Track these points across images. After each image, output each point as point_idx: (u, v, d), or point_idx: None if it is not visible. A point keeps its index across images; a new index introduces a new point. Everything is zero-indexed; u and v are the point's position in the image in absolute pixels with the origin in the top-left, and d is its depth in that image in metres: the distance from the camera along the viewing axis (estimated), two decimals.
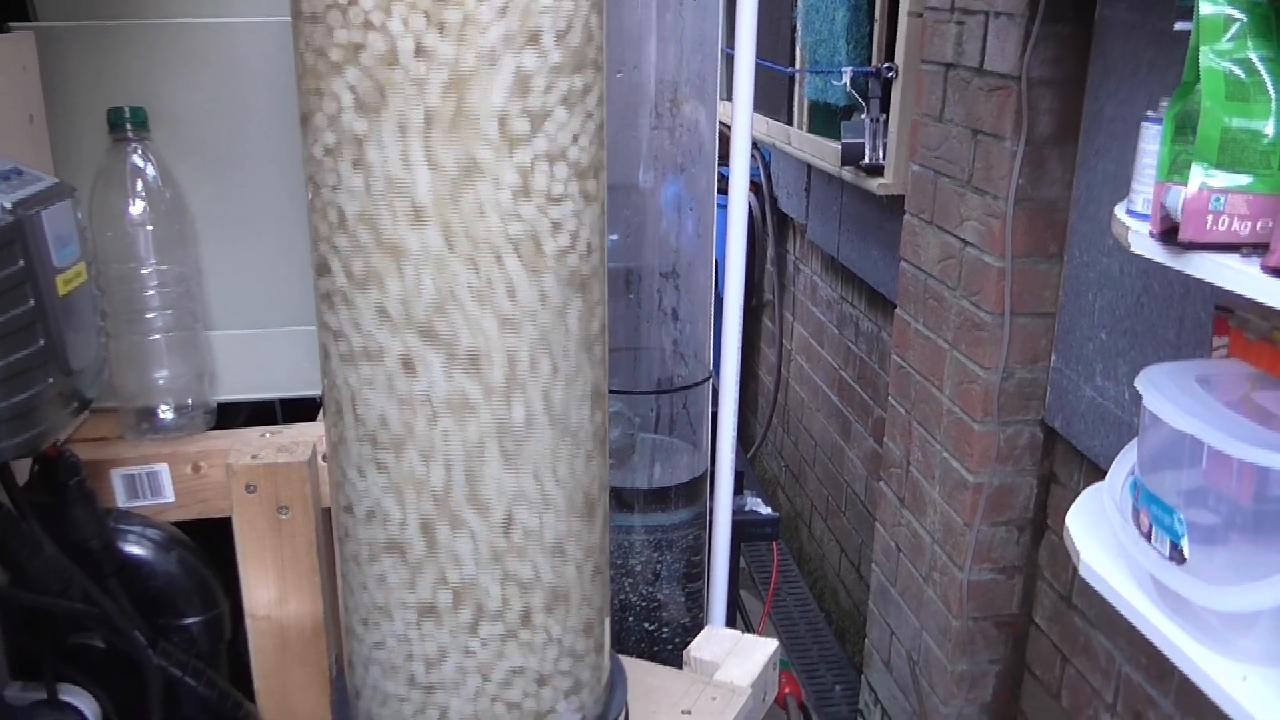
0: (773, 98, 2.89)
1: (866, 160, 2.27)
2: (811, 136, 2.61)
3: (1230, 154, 0.98)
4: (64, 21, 1.18)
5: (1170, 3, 1.45)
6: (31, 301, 0.85)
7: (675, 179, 1.59)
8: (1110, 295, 1.61)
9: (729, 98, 1.79)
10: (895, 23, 2.21)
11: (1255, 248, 0.99)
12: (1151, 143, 1.14)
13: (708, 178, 1.80)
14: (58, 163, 1.22)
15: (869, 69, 2.27)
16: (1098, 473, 1.62)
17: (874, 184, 2.25)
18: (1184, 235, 1.01)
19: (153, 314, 1.23)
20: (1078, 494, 1.34)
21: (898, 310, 2.14)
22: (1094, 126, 1.66)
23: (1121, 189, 1.57)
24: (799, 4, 2.62)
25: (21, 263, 0.84)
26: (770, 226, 3.33)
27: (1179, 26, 1.10)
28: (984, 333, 1.81)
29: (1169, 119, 1.07)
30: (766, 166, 3.28)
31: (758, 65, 1.69)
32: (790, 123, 2.80)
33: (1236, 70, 0.99)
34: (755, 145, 2.77)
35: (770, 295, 3.44)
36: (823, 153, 2.52)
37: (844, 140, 2.28)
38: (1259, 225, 0.99)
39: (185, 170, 1.24)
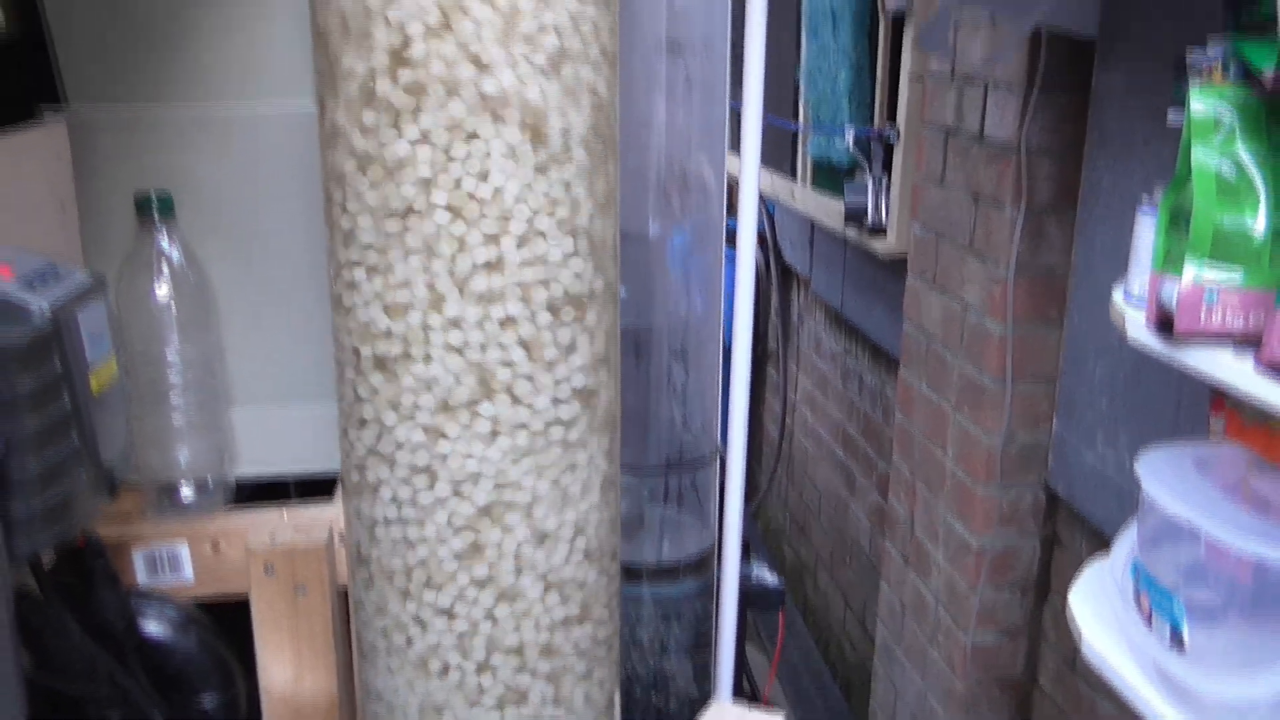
0: (776, 151, 2.93)
1: (869, 220, 2.30)
2: (815, 194, 2.65)
3: (1222, 249, 1.02)
4: (93, 104, 1.22)
5: (1163, 79, 1.50)
6: (67, 401, 0.89)
7: (684, 261, 1.62)
8: (1110, 364, 1.64)
9: (736, 150, 1.82)
10: (897, 86, 2.25)
11: (1249, 340, 1.02)
12: (1146, 231, 1.17)
13: (715, 251, 1.84)
14: (86, 244, 1.26)
15: (871, 130, 2.31)
16: (1100, 538, 1.65)
17: (877, 245, 2.29)
18: (1179, 327, 1.04)
19: (175, 393, 1.26)
20: (1081, 557, 1.36)
21: (901, 370, 2.17)
22: (1091, 196, 1.70)
23: (1120, 259, 1.60)
24: (802, 62, 2.66)
25: (59, 366, 0.87)
26: (774, 276, 3.37)
27: (1172, 119, 1.14)
28: (986, 397, 1.84)
29: (1163, 210, 1.10)
30: (770, 218, 3.32)
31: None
32: (794, 178, 2.84)
33: (1227, 168, 1.02)
34: (760, 197, 2.81)
35: (774, 344, 3.47)
36: (826, 211, 2.55)
37: (847, 200, 2.32)
38: (1251, 319, 1.02)
39: (208, 248, 1.28)
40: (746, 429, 1.38)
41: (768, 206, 3.30)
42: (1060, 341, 1.79)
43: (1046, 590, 1.88)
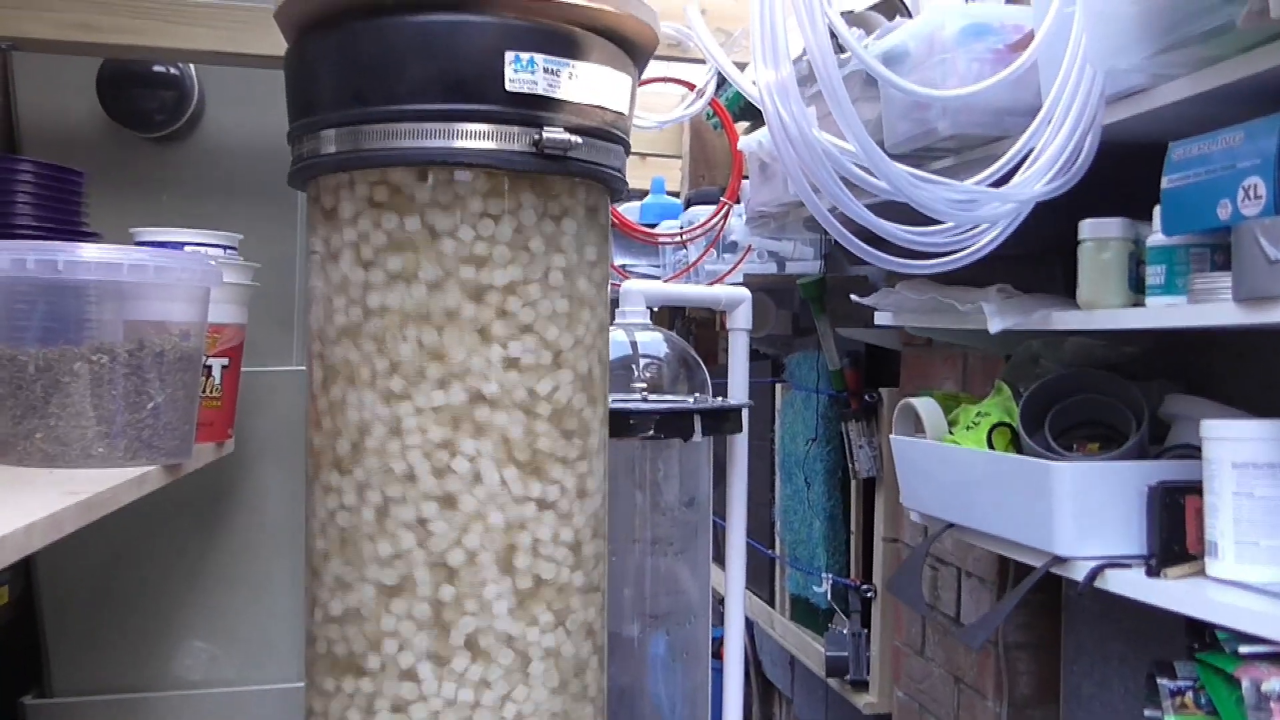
0: (754, 573, 2.92)
1: (851, 674, 2.28)
2: (795, 628, 2.61)
3: None
4: (78, 697, 1.22)
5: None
6: None
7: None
8: None
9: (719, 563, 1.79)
10: (871, 542, 2.29)
11: None
12: None
13: (701, 666, 1.81)
14: None
15: (848, 581, 2.33)
16: None
17: (859, 700, 2.26)
18: None
19: None
20: None
21: None
22: (1074, 701, 1.70)
23: None
24: (776, 500, 2.71)
25: None
26: (755, 687, 3.29)
27: (1149, 715, 1.16)
28: None
29: None
30: (750, 626, 3.28)
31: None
32: (773, 605, 2.83)
33: None
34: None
35: None
36: (806, 651, 2.51)
37: (828, 653, 2.30)
38: None
39: None
40: None
41: (747, 618, 3.27)
42: None
43: None
